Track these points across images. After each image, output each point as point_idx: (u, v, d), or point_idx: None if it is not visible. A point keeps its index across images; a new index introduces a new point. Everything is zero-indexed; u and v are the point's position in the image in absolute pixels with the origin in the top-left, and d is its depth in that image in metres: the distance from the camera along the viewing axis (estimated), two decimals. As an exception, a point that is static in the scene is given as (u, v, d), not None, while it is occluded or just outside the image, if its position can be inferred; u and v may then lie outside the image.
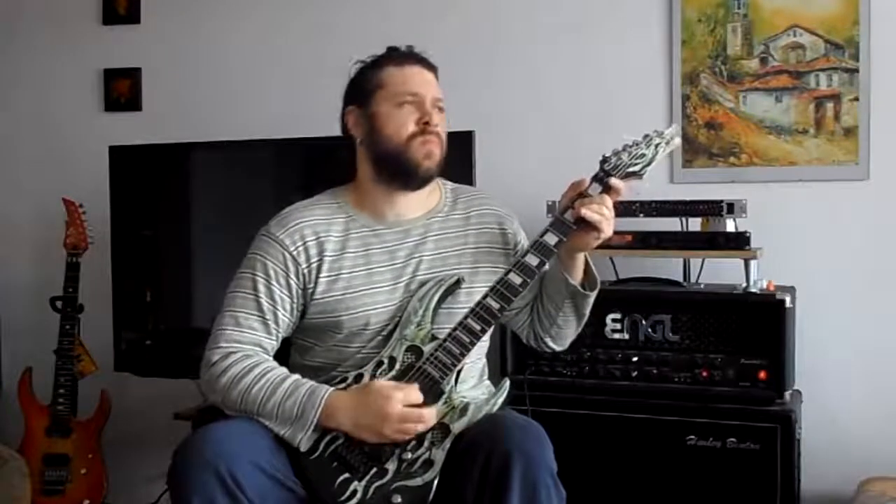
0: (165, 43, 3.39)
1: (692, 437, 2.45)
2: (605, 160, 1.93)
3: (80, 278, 3.15)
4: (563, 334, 2.10)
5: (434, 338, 1.91)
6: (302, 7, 3.24)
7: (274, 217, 2.03)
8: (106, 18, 3.45)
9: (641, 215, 2.60)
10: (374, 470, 1.83)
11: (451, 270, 1.99)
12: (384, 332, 1.96)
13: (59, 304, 3.15)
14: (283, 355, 2.05)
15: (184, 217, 3.08)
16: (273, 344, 1.98)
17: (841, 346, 2.75)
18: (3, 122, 3.59)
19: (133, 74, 3.42)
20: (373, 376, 1.91)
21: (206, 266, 3.01)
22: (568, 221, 1.90)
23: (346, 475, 1.83)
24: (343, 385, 1.91)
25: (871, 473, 2.55)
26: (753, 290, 2.49)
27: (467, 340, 1.87)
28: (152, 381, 3.07)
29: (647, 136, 1.94)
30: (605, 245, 1.95)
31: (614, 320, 2.57)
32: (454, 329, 1.88)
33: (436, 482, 1.82)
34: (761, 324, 2.45)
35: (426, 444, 1.84)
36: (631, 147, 1.93)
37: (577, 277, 1.98)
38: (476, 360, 2.04)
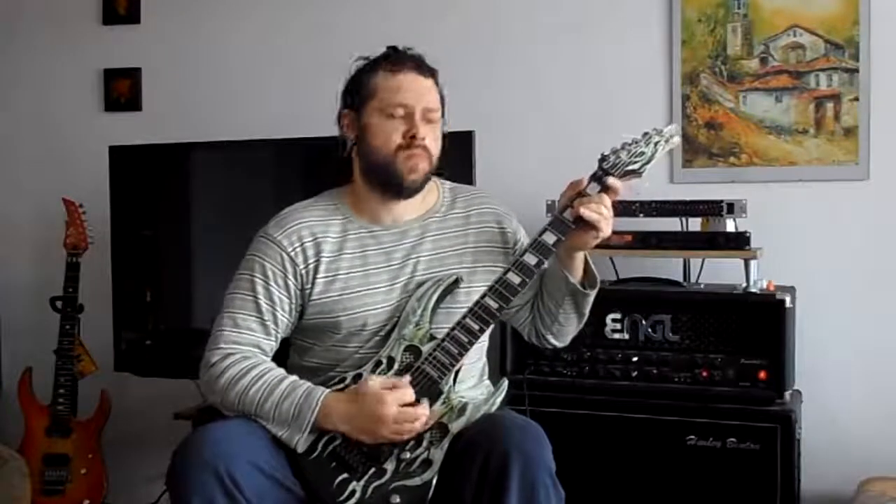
0: (165, 43, 3.39)
1: (692, 437, 2.45)
2: (604, 158, 1.92)
3: (80, 278, 3.15)
4: (565, 331, 2.10)
5: (432, 337, 1.91)
6: (302, 7, 3.24)
7: (272, 218, 2.04)
8: (106, 18, 3.44)
9: (641, 215, 2.60)
10: (373, 470, 1.83)
11: (450, 270, 1.99)
12: (382, 333, 1.96)
13: (59, 304, 3.15)
14: (283, 356, 2.05)
15: (184, 217, 3.08)
16: (272, 345, 1.98)
17: (841, 346, 2.75)
18: (3, 122, 3.59)
19: (133, 74, 3.42)
20: (371, 375, 1.90)
21: (206, 266, 3.01)
22: (567, 220, 1.90)
23: (345, 475, 1.84)
24: (342, 385, 1.91)
25: (871, 473, 2.55)
26: (753, 290, 2.49)
27: (466, 340, 1.87)
28: (152, 381, 3.07)
29: (646, 134, 1.94)
30: (605, 245, 1.95)
31: (614, 320, 2.57)
32: (453, 329, 1.88)
33: (434, 482, 1.82)
34: (761, 324, 2.45)
35: (424, 443, 1.84)
36: (630, 145, 1.93)
37: (576, 276, 1.98)
38: (476, 360, 2.04)
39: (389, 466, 1.83)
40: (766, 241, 2.62)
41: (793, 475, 2.41)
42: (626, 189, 1.93)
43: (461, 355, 1.87)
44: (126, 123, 3.40)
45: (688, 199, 2.61)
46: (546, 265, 1.94)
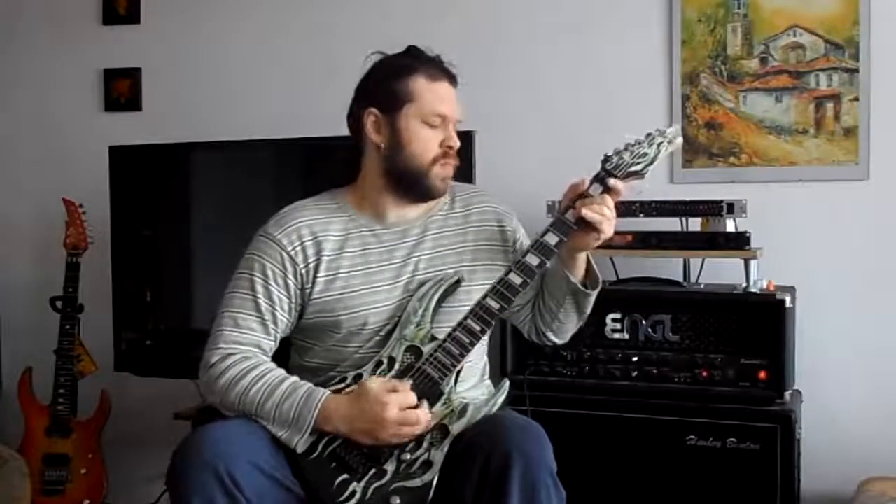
0: (165, 43, 3.39)
1: (692, 437, 2.45)
2: (606, 159, 1.92)
3: (80, 278, 3.15)
4: (565, 329, 2.10)
5: (434, 338, 1.91)
6: (302, 7, 3.24)
7: (272, 217, 2.03)
8: (106, 18, 3.44)
9: (641, 215, 2.60)
10: (373, 471, 1.83)
11: (451, 269, 1.99)
12: (383, 332, 1.96)
13: (59, 304, 3.15)
14: (283, 356, 2.05)
15: (184, 217, 3.08)
16: (271, 344, 1.98)
17: (841, 346, 2.75)
18: (3, 122, 3.59)
19: (133, 74, 3.42)
20: (372, 377, 1.90)
21: (206, 266, 3.01)
22: (569, 221, 1.90)
23: (345, 476, 1.83)
24: (342, 385, 1.91)
25: (871, 473, 2.55)
26: (753, 290, 2.49)
27: (467, 341, 1.87)
28: (152, 381, 3.07)
29: (649, 134, 1.94)
30: (606, 245, 1.95)
31: (614, 320, 2.57)
32: (454, 329, 1.88)
33: (434, 483, 1.82)
34: (761, 324, 2.45)
35: (425, 444, 1.84)
36: (633, 146, 1.93)
37: (578, 276, 1.98)
38: (476, 360, 2.04)
39: (390, 467, 1.83)
40: (766, 241, 2.62)
41: (793, 475, 2.41)
42: (627, 189, 1.93)
43: (462, 356, 1.87)
44: (126, 123, 3.40)
45: (688, 199, 2.61)
46: (548, 265, 1.94)
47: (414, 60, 2.00)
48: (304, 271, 1.97)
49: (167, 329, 3.08)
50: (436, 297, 1.95)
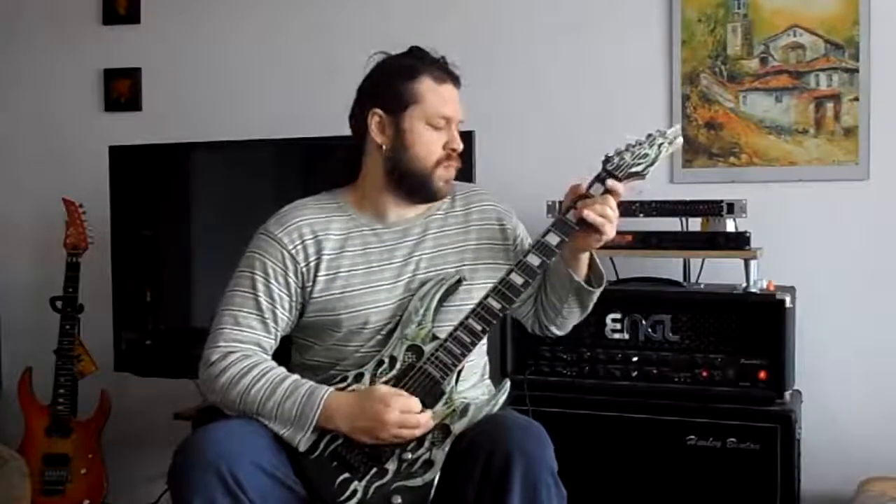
0: (165, 43, 3.39)
1: (692, 437, 2.45)
2: (607, 160, 1.93)
3: (80, 278, 3.15)
4: (567, 323, 2.11)
5: (435, 337, 1.91)
6: (302, 7, 3.24)
7: (272, 216, 2.03)
8: (106, 18, 3.45)
9: (641, 215, 2.60)
10: (374, 470, 1.83)
11: (452, 268, 2.00)
12: (383, 332, 1.96)
13: (59, 304, 3.15)
14: (284, 354, 2.05)
15: (184, 217, 3.08)
16: (272, 343, 1.98)
17: (841, 346, 2.75)
18: (3, 122, 3.59)
19: (133, 74, 3.42)
20: (373, 376, 1.91)
21: (206, 266, 3.01)
22: (570, 222, 1.90)
23: (346, 475, 1.83)
24: (343, 384, 1.91)
25: (871, 473, 2.55)
26: (753, 290, 2.49)
27: (468, 340, 1.88)
28: (152, 381, 3.07)
29: (650, 135, 1.94)
30: (606, 245, 1.95)
31: (614, 320, 2.57)
32: (455, 329, 1.89)
33: (436, 482, 1.82)
34: (761, 324, 2.45)
35: (426, 444, 1.84)
36: (634, 147, 1.93)
37: (581, 274, 1.99)
38: (476, 360, 2.04)
39: (391, 466, 1.83)
40: (766, 241, 2.62)
41: (793, 475, 2.41)
42: (627, 190, 1.93)
43: (463, 355, 1.88)
44: (126, 123, 3.40)
45: (688, 199, 2.61)
46: (549, 265, 1.94)
47: (418, 61, 1.99)
48: (304, 270, 1.97)
49: (167, 329, 3.08)
50: (437, 297, 1.95)
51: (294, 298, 1.98)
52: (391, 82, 1.98)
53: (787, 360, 2.45)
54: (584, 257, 1.98)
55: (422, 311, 1.94)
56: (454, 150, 1.99)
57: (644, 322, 2.55)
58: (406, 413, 1.81)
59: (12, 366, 3.45)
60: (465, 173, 2.56)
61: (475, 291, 1.95)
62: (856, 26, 2.72)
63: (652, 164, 1.93)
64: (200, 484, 1.72)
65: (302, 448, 1.84)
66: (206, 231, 3.03)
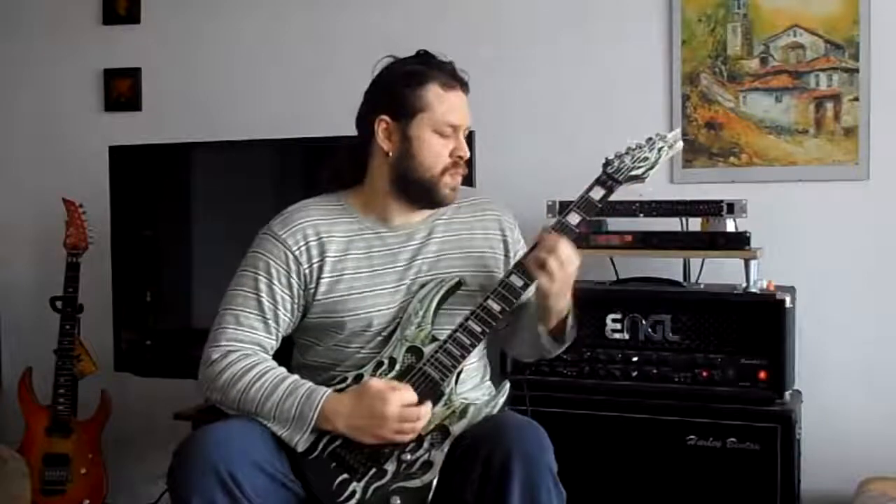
0: (165, 43, 3.39)
1: (692, 437, 2.45)
2: (607, 163, 1.93)
3: (80, 278, 3.15)
4: (524, 356, 2.16)
5: (434, 339, 1.91)
6: (302, 7, 3.24)
7: (276, 216, 2.03)
8: (106, 18, 3.44)
9: (641, 215, 2.60)
10: (374, 471, 1.83)
11: (453, 272, 2.00)
12: (385, 333, 1.96)
13: (59, 304, 3.15)
14: (285, 354, 2.05)
15: (184, 217, 3.08)
16: (273, 343, 1.98)
17: (841, 346, 2.75)
18: (3, 122, 3.59)
19: (133, 74, 3.42)
20: (373, 377, 1.90)
21: (206, 266, 3.01)
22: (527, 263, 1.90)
23: (345, 476, 1.84)
24: (343, 385, 1.91)
25: (871, 473, 2.55)
26: (753, 290, 2.49)
27: (468, 342, 1.88)
28: (152, 381, 3.08)
29: (650, 139, 1.95)
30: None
31: (614, 320, 2.57)
32: (455, 331, 1.89)
33: (435, 483, 1.82)
34: (761, 324, 2.45)
35: (425, 445, 1.84)
36: (634, 150, 1.94)
37: (549, 323, 1.97)
38: (476, 361, 2.04)
39: (390, 467, 1.83)
40: (766, 241, 2.62)
41: (793, 475, 2.41)
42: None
43: (463, 357, 1.88)
44: (126, 123, 3.40)
45: (688, 199, 2.61)
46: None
47: (427, 67, 1.97)
48: (307, 271, 1.97)
49: (167, 329, 3.08)
50: (436, 299, 1.95)
51: (296, 300, 1.98)
52: (399, 89, 1.96)
53: (786, 360, 2.45)
54: (552, 307, 1.93)
55: (421, 313, 1.94)
56: (461, 157, 1.98)
57: (644, 322, 2.55)
58: (405, 406, 1.81)
59: (12, 366, 3.45)
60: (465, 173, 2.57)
61: (474, 296, 1.95)
62: (856, 26, 2.72)
63: (652, 167, 1.93)
64: (199, 484, 1.72)
65: (300, 448, 1.84)
66: (206, 231, 3.03)
